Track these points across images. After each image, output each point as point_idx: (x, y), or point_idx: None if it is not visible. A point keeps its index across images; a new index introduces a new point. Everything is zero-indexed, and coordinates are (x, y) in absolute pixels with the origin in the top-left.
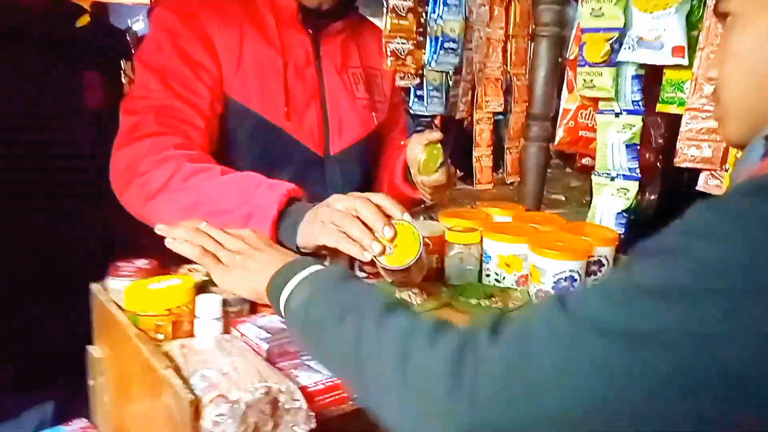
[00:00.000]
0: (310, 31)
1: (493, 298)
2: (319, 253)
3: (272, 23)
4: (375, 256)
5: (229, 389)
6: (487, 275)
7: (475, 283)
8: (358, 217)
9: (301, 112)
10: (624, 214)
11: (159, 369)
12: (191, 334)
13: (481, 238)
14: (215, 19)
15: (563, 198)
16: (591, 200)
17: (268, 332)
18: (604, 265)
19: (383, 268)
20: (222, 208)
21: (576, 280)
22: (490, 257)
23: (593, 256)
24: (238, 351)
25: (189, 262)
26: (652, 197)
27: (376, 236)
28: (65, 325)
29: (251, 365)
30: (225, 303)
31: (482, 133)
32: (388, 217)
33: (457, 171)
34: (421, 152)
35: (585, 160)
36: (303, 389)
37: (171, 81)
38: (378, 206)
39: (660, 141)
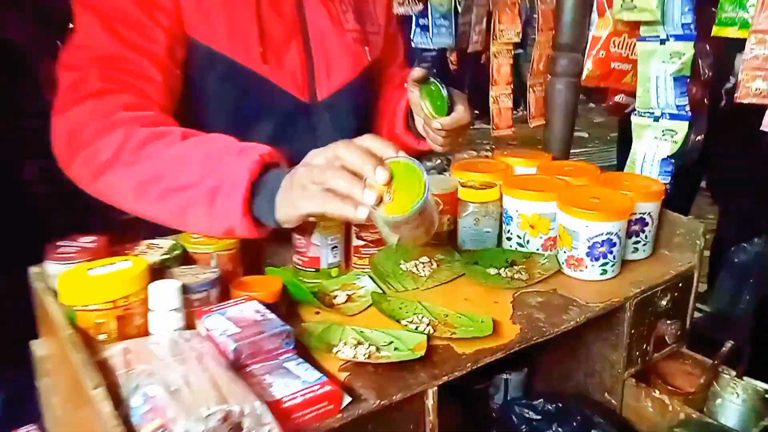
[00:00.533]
0: None
1: (515, 266)
2: (305, 228)
3: None
4: (372, 208)
5: (176, 416)
6: (509, 239)
7: (494, 249)
8: (344, 167)
9: (281, 52)
10: (670, 160)
11: (88, 388)
12: (145, 331)
13: (501, 194)
14: None
15: (586, 135)
16: (618, 138)
17: (238, 326)
18: (648, 224)
19: (384, 222)
20: (183, 183)
21: (615, 244)
22: (511, 217)
23: (635, 214)
24: (196, 355)
25: (151, 236)
26: (698, 139)
27: (368, 183)
28: (13, 312)
29: (209, 378)
30: (186, 290)
31: (500, 69)
32: (380, 159)
33: (475, 111)
34: (421, 97)
35: (618, 98)
36: (276, 405)
37: (117, 24)
38: (365, 149)
39: (708, 72)
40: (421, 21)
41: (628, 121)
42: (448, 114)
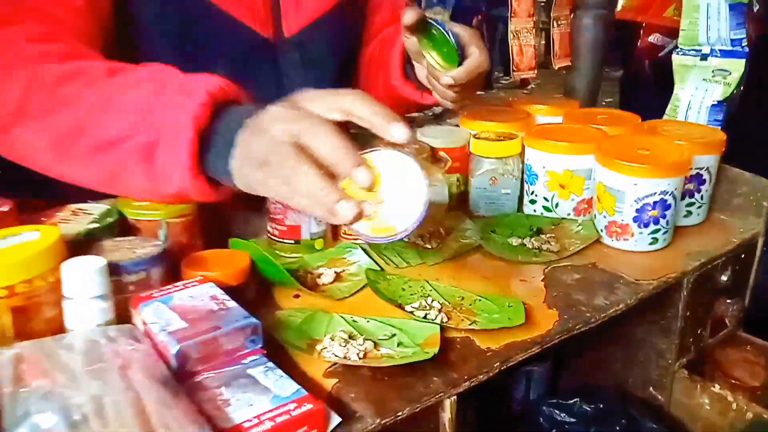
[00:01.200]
0: None
1: (542, 235)
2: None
3: None
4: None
5: None
6: (532, 201)
7: (515, 214)
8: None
9: None
10: (722, 105)
11: None
12: (59, 328)
13: (523, 147)
14: None
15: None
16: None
17: (186, 318)
18: (705, 181)
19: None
20: (111, 136)
21: (670, 206)
22: (536, 175)
23: (691, 169)
24: (120, 364)
25: (79, 199)
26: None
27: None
28: None
29: (132, 399)
30: (117, 270)
31: (521, 1)
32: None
33: (496, 72)
34: (423, 48)
35: (652, 38)
36: None
37: None
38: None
39: (759, 6)
40: None
41: (659, 67)
42: (460, 63)
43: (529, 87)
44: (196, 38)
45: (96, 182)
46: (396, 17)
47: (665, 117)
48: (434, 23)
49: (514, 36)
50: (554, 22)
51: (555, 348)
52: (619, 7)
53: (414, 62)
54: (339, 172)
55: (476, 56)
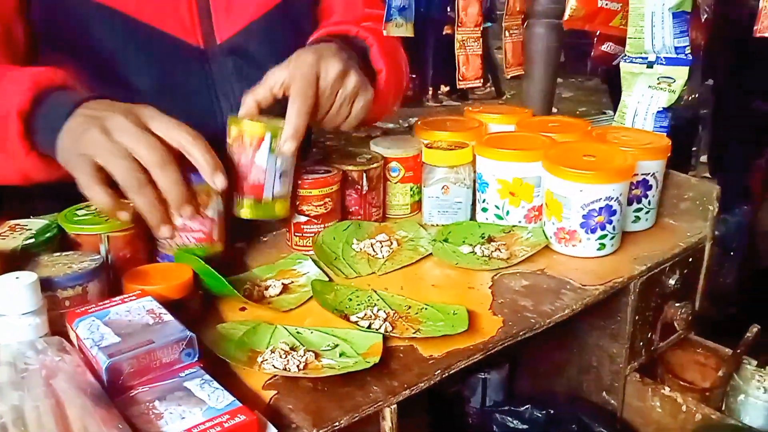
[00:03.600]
0: None
1: (493, 243)
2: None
3: None
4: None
5: None
6: (484, 210)
7: (468, 222)
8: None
9: None
10: (667, 112)
11: None
12: None
13: (474, 156)
14: None
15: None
16: (612, 97)
17: (119, 333)
18: (651, 187)
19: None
20: None
21: (615, 211)
22: (487, 184)
23: (636, 174)
24: (45, 374)
25: (17, 214)
26: (692, 97)
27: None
28: None
29: (52, 406)
30: (51, 285)
31: (467, 8)
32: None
33: (443, 86)
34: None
35: (606, 47)
36: None
37: None
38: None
39: (707, 9)
40: None
41: (615, 75)
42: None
43: (504, 97)
44: (120, 51)
45: None
46: (349, 22)
47: (614, 123)
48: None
49: (460, 45)
50: (506, 32)
51: (512, 354)
52: (566, 17)
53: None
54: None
55: (291, 113)
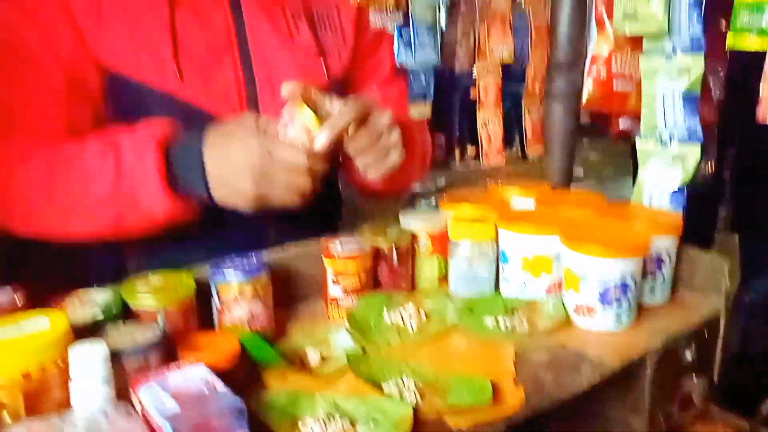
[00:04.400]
0: None
1: (516, 315)
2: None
3: None
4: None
5: None
6: (507, 282)
7: (492, 295)
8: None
9: (208, 70)
10: (682, 191)
11: None
12: (66, 404)
13: (496, 230)
14: None
15: (581, 173)
16: (634, 171)
17: (179, 400)
18: (664, 262)
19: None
20: (101, 197)
21: (628, 286)
22: (508, 257)
23: (650, 251)
24: None
25: (84, 283)
26: (708, 165)
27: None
28: None
29: None
30: (118, 356)
31: (488, 91)
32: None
33: (467, 147)
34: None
35: (623, 124)
36: None
37: (9, 64)
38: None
39: (718, 91)
40: (404, 35)
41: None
42: None
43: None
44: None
45: (102, 232)
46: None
47: (631, 199)
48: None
49: (482, 126)
50: (525, 112)
51: (534, 425)
52: (584, 100)
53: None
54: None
55: (337, 111)
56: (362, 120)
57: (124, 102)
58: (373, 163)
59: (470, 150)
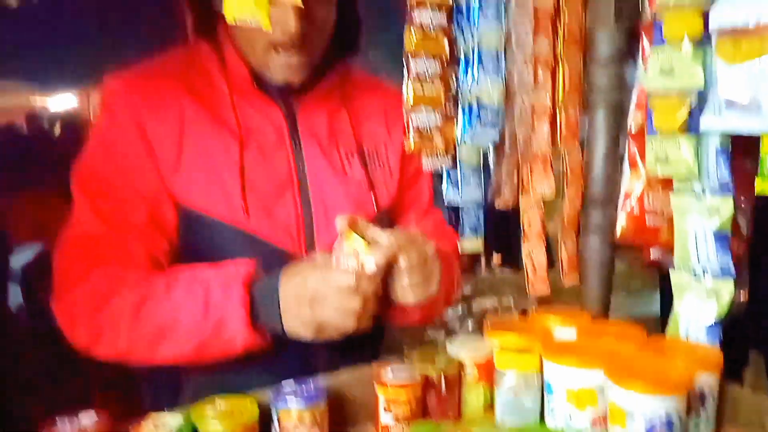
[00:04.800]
0: (281, 105)
1: None
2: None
3: (226, 94)
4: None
5: None
6: (552, 413)
7: (537, 425)
8: None
9: (270, 204)
10: (719, 325)
11: None
12: None
13: (541, 361)
14: (150, 109)
15: None
16: (662, 299)
17: None
18: (707, 399)
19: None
20: (188, 328)
21: (673, 424)
22: (554, 388)
23: (693, 387)
24: None
25: (157, 407)
26: (741, 298)
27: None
28: None
29: None
30: None
31: (531, 224)
32: None
33: (494, 254)
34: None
35: (654, 254)
36: None
37: (101, 202)
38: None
39: (745, 229)
40: (452, 176)
41: (667, 278)
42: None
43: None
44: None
45: (183, 359)
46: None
47: (668, 330)
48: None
49: (527, 256)
50: (562, 244)
51: None
52: (618, 233)
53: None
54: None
55: (392, 237)
56: (408, 248)
57: (194, 234)
58: (415, 288)
59: (496, 257)
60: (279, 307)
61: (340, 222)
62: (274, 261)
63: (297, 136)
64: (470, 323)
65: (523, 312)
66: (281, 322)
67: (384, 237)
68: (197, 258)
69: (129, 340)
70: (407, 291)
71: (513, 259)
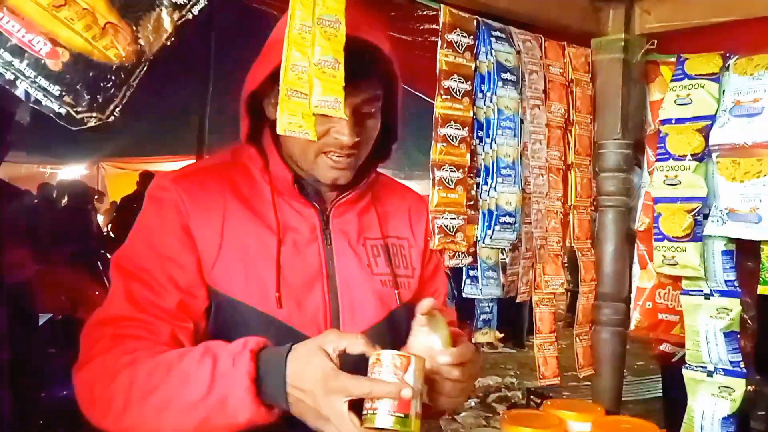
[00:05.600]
0: (316, 204)
1: None
2: None
3: (268, 196)
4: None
5: None
6: None
7: None
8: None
9: (301, 296)
10: (731, 419)
11: None
12: None
13: None
14: (194, 201)
15: None
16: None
17: None
18: None
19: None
20: (192, 400)
21: None
22: None
23: None
24: None
25: None
26: (749, 389)
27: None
28: None
29: None
30: None
31: (543, 317)
32: None
33: (497, 332)
34: (431, 328)
35: (663, 346)
36: None
37: (135, 288)
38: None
39: (751, 323)
40: (471, 272)
41: (672, 370)
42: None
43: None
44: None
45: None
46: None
47: (683, 426)
48: (439, 314)
49: (538, 349)
50: (577, 338)
51: None
52: (632, 327)
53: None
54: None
55: (465, 345)
56: (473, 359)
57: (225, 320)
58: (457, 399)
59: (497, 334)
60: (285, 383)
61: (429, 303)
62: None
63: (328, 233)
64: (473, 401)
65: (528, 391)
66: (286, 400)
67: (464, 339)
68: (225, 340)
69: (137, 414)
70: (448, 400)
71: (516, 337)
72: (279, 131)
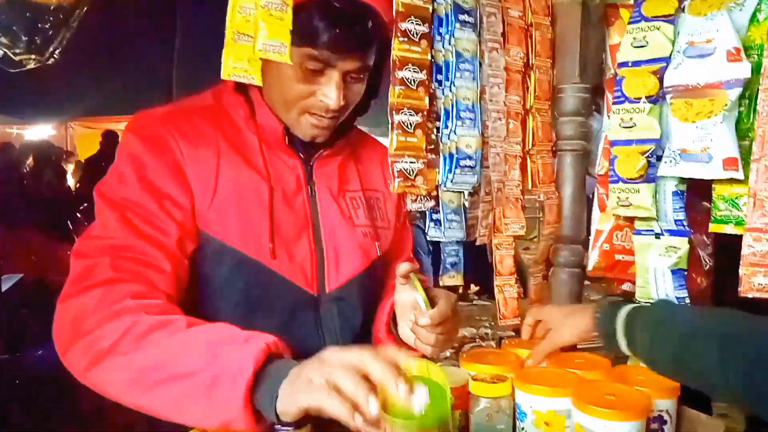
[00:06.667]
0: (301, 155)
1: None
2: (299, 424)
3: (256, 145)
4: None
5: None
6: None
7: None
8: (359, 372)
9: (291, 246)
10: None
11: None
12: None
13: (513, 388)
14: (187, 142)
15: None
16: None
17: None
18: (666, 422)
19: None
20: (183, 371)
21: None
22: (525, 414)
23: (653, 412)
24: None
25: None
26: None
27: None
28: None
29: None
30: None
31: (503, 260)
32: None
33: (473, 285)
34: (413, 289)
35: (625, 286)
36: None
37: (132, 216)
38: (391, 360)
39: (710, 263)
40: (434, 216)
41: None
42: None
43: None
44: (256, 295)
45: (160, 409)
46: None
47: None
48: (417, 276)
49: (498, 290)
50: (530, 275)
51: None
52: (590, 268)
53: (398, 320)
54: (384, 383)
55: (444, 303)
56: (455, 312)
57: (213, 265)
58: (437, 345)
59: (473, 288)
60: (275, 402)
61: (406, 267)
62: (286, 294)
63: (312, 184)
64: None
65: (500, 340)
66: (278, 417)
67: (443, 297)
68: (212, 287)
69: (119, 363)
70: (429, 346)
71: (490, 290)
72: (223, 76)
